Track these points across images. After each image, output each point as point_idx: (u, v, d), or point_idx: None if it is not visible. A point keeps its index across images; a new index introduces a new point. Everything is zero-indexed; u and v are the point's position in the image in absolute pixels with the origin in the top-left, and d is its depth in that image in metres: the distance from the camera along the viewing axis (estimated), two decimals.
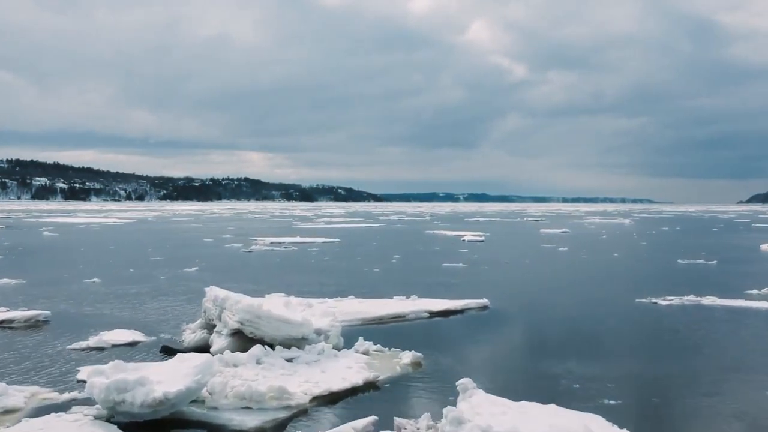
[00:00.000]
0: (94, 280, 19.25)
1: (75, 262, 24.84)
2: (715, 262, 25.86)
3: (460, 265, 24.30)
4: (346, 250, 31.37)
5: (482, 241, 39.65)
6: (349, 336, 11.02)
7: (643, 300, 16.04)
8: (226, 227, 58.39)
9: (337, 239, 39.65)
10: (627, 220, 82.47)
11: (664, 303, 15.63)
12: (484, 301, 15.13)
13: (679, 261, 26.35)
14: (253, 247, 32.01)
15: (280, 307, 10.04)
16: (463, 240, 39.96)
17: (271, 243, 35.60)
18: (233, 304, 9.47)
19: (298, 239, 38.67)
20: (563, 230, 53.86)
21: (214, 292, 10.26)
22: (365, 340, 10.71)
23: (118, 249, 32.17)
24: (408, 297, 15.36)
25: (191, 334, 10.40)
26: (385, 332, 12.15)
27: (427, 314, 13.75)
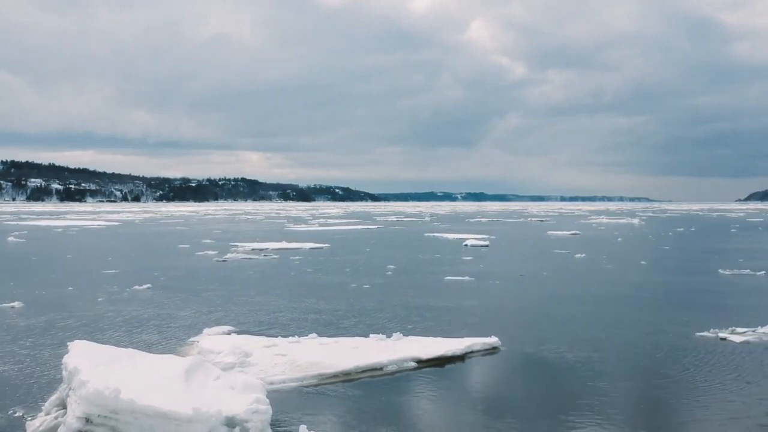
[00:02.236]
0: (14, 304, 15.48)
1: (10, 277, 21.04)
2: (763, 272, 22.05)
3: (466, 278, 20.52)
4: (334, 259, 27.58)
5: (487, 246, 35.87)
6: (293, 407, 7.29)
7: (706, 333, 12.25)
8: (212, 230, 54.66)
9: (327, 244, 35.86)
10: (635, 221, 78.67)
11: (736, 339, 11.83)
12: (493, 340, 11.21)
13: (720, 271, 22.55)
14: (229, 255, 28.23)
15: (171, 382, 6.15)
16: (466, 245, 36.23)
17: (252, 250, 31.84)
18: (78, 387, 5.68)
19: (283, 245, 34.90)
20: (573, 232, 50.09)
21: (71, 355, 6.45)
22: (317, 415, 7.01)
23: (77, 258, 28.38)
24: (389, 336, 11.29)
25: (42, 418, 6.60)
26: (348, 401, 8.30)
27: (413, 363, 9.82)
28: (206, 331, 11.91)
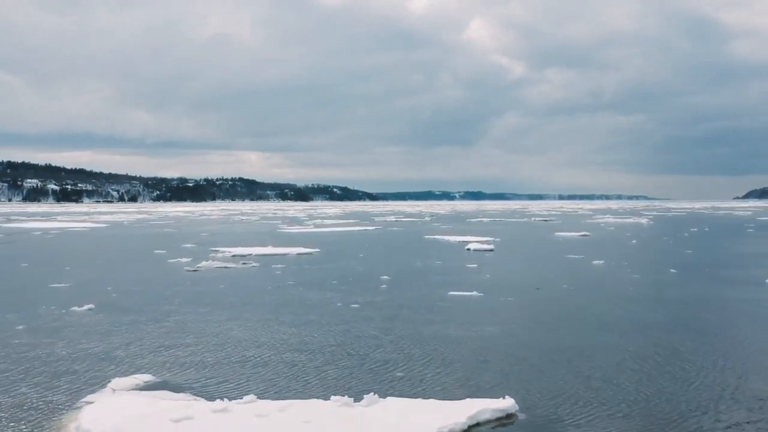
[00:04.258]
0: None
1: None
2: None
3: (472, 294, 17.32)
4: (323, 268, 24.39)
5: (491, 250, 32.73)
6: None
7: None
8: (199, 232, 51.57)
9: (317, 249, 32.68)
10: (643, 220, 75.67)
11: None
12: (508, 403, 7.79)
13: None
14: (203, 263, 25.01)
15: None
16: (468, 249, 33.05)
17: (233, 256, 28.67)
18: None
19: (269, 250, 31.75)
20: (581, 233, 46.90)
21: None
22: None
23: (30, 266, 25.11)
24: (359, 399, 7.85)
25: None
26: None
27: None
28: (114, 383, 8.69)
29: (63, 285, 19.41)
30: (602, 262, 25.91)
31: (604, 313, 14.60)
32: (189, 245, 36.21)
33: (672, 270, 23.17)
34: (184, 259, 26.87)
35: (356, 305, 15.68)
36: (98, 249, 35.56)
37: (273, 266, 24.64)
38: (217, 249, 32.20)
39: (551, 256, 29.68)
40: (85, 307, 15.27)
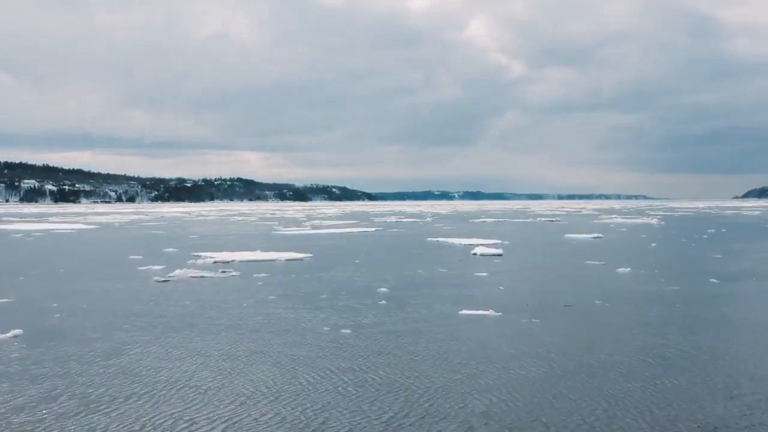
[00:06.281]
0: None
1: None
2: None
3: (488, 312, 14.35)
4: (312, 278, 21.44)
5: (500, 254, 29.80)
6: None
7: None
8: (188, 235, 48.71)
9: (309, 255, 29.71)
10: (653, 220, 72.74)
11: None
12: None
13: None
14: (177, 271, 22.00)
15: None
16: (475, 254, 30.14)
17: (214, 263, 25.74)
18: None
19: (256, 255, 28.78)
20: (594, 235, 43.93)
21: None
22: None
23: None
24: None
25: None
26: None
27: None
28: None
29: (6, 300, 16.43)
30: (628, 269, 22.96)
31: (668, 342, 11.55)
32: (171, 249, 33.30)
33: (713, 280, 20.20)
34: (157, 267, 23.89)
35: (348, 330, 12.72)
36: (69, 254, 32.62)
37: (256, 275, 21.66)
38: (198, 254, 29.24)
39: (568, 263, 26.74)
40: (11, 333, 12.30)
